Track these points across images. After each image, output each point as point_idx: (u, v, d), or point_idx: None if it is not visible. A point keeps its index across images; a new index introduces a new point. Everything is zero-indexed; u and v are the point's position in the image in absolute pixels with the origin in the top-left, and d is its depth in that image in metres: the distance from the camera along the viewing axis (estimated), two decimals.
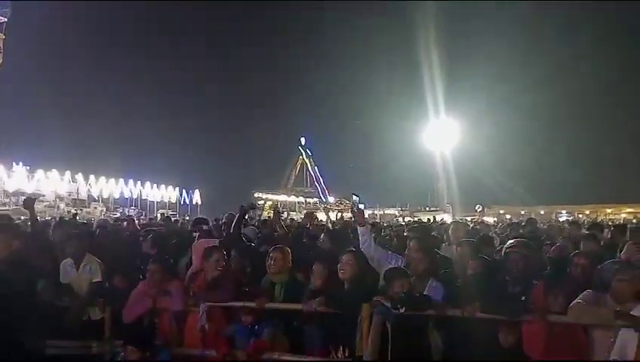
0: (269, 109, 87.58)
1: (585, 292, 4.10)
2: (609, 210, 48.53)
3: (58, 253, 5.76)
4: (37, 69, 49.51)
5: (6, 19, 33.87)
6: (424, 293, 4.71)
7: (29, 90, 48.34)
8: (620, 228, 8.32)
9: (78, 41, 65.20)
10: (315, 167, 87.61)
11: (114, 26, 72.39)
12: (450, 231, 7.82)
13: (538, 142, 66.98)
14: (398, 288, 4.52)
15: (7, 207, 24.81)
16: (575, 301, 4.05)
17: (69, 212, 31.07)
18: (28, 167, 37.51)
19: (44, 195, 34.23)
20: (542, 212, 46.85)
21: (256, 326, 4.93)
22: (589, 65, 68.52)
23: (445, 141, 60.03)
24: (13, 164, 36.99)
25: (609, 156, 65.53)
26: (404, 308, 4.41)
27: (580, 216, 43.51)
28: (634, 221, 30.62)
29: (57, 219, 8.33)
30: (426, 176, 64.54)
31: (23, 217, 9.31)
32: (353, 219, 6.88)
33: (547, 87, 68.82)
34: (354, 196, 53.23)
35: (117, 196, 46.23)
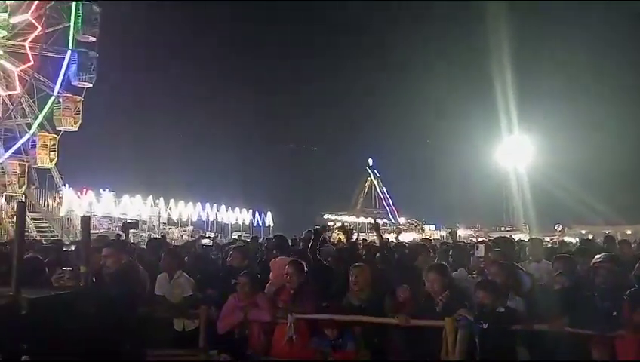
0: (337, 131, 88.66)
1: None
2: None
3: (153, 268, 6.25)
4: (120, 103, 53.25)
5: (91, 85, 37.14)
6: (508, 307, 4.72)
7: (113, 122, 51.93)
8: None
9: (154, 72, 69.51)
10: (384, 188, 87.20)
11: (187, 56, 76.77)
12: (527, 249, 7.78)
13: (622, 157, 62.66)
14: (482, 301, 4.56)
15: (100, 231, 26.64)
16: None
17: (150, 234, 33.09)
18: (114, 193, 40.40)
19: (140, 221, 36.59)
20: (628, 231, 43.78)
21: (340, 339, 5.10)
22: None
23: (519, 158, 57.95)
24: (101, 190, 39.93)
25: None
26: (487, 324, 4.44)
27: None
28: None
29: (150, 238, 9.10)
30: (500, 195, 62.41)
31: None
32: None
33: (628, 98, 64.78)
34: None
35: (194, 219, 48.52)
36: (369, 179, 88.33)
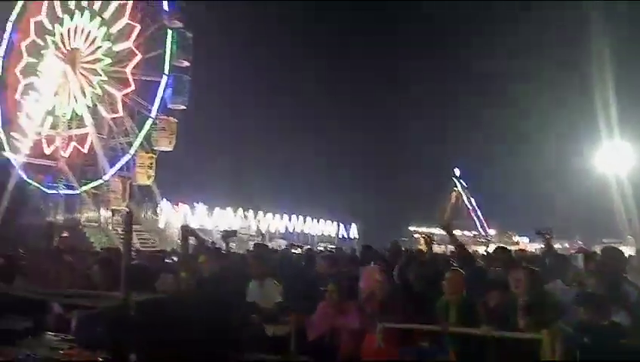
0: (424, 142, 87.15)
1: None
2: None
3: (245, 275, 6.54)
4: (210, 122, 55.99)
5: (185, 107, 39.51)
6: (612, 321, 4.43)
7: (204, 140, 54.78)
8: None
9: (241, 92, 72.51)
10: (471, 199, 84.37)
11: (272, 71, 79.46)
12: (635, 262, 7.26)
13: None
14: (582, 315, 4.33)
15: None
16: None
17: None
18: (207, 206, 42.76)
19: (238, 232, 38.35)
20: None
21: (431, 351, 5.02)
22: None
23: (621, 165, 53.68)
24: (195, 203, 42.37)
25: None
26: (588, 338, 4.20)
27: None
28: None
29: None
30: (599, 205, 57.96)
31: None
32: None
33: None
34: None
35: (282, 231, 50.11)
36: (456, 189, 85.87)
